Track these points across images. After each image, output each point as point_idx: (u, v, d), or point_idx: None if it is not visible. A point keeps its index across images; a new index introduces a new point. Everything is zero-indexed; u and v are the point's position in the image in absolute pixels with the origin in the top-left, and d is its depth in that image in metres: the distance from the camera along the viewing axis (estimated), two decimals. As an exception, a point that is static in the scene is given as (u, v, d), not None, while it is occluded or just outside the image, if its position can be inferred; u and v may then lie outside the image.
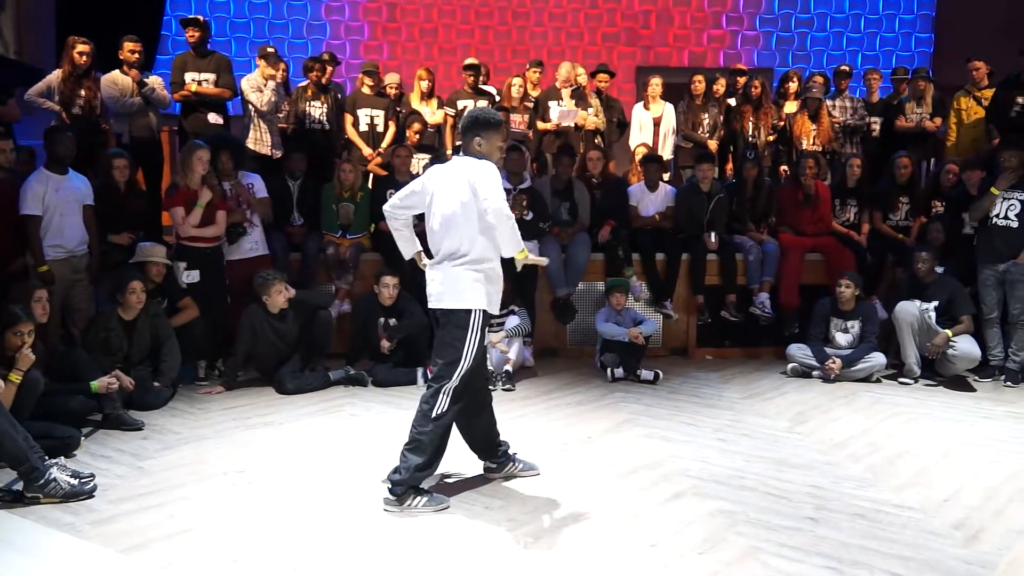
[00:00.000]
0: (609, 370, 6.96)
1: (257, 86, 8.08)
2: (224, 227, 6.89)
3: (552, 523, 4.05)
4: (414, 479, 4.18)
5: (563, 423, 5.76)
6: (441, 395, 4.18)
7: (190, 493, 4.40)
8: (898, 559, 3.68)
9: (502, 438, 4.63)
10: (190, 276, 6.71)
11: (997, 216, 7.01)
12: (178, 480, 4.58)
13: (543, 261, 4.70)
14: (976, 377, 7.02)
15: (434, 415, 4.17)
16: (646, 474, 4.73)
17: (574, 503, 4.29)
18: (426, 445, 4.17)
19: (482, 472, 4.64)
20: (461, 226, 4.17)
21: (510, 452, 4.66)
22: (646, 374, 6.91)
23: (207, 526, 3.99)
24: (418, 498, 4.18)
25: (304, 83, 8.57)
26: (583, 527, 4.00)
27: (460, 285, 4.18)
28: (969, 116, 8.69)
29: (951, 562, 3.66)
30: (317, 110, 8.42)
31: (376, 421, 5.75)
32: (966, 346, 6.82)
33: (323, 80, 8.50)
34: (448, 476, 4.60)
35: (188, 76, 7.91)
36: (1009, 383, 6.90)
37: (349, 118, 8.53)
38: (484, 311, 4.20)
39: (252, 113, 8.13)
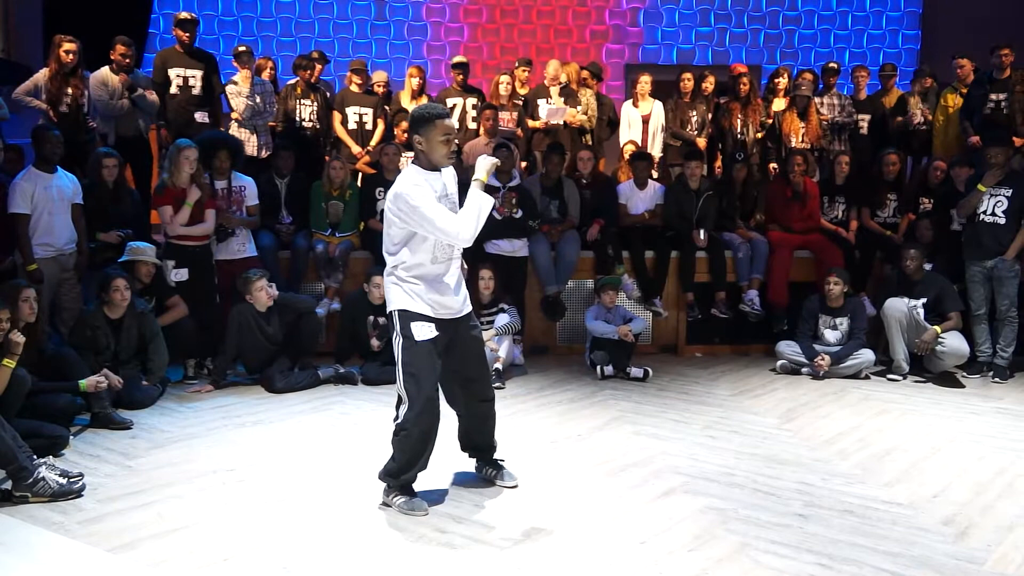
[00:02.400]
0: (599, 368, 6.96)
1: (237, 91, 8.05)
2: (214, 225, 6.87)
3: (542, 521, 4.04)
4: (387, 480, 4.18)
5: (553, 421, 5.76)
6: (399, 406, 4.11)
7: (179, 492, 4.38)
8: (887, 555, 3.69)
9: (494, 443, 4.57)
10: (179, 274, 6.69)
11: (984, 212, 7.03)
12: (167, 479, 4.57)
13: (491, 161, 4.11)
14: (964, 373, 7.06)
15: (395, 427, 4.13)
16: (636, 471, 4.74)
17: (564, 501, 4.29)
18: (396, 453, 4.14)
19: (474, 470, 4.63)
20: (386, 239, 4.15)
21: (493, 457, 4.59)
22: (636, 371, 6.91)
23: (197, 525, 3.97)
24: (399, 497, 4.15)
25: (293, 81, 8.55)
26: (573, 524, 4.01)
27: (388, 290, 4.19)
28: (955, 112, 8.71)
29: (940, 558, 3.68)
30: (307, 108, 8.41)
31: (366, 419, 5.74)
32: (954, 342, 6.85)
33: (312, 78, 8.48)
34: (443, 471, 4.60)
35: (173, 72, 7.86)
36: (997, 379, 6.94)
37: (338, 116, 8.50)
38: (404, 311, 4.08)
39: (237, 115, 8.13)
